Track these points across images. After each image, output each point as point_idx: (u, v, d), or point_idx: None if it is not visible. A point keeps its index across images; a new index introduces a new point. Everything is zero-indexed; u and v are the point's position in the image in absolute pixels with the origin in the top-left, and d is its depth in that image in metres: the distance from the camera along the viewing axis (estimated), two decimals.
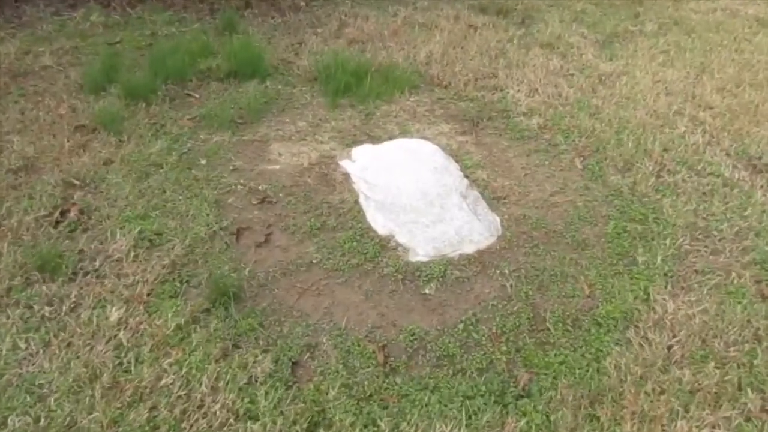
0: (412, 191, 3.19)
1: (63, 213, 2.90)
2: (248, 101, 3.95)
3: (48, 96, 3.89)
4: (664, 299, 2.65)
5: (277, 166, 3.39)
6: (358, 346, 2.42)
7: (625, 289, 2.72)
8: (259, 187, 3.22)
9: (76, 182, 3.14)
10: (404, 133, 3.76)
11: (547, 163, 3.57)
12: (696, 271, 2.82)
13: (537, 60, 4.77)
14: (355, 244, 2.90)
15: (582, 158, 3.61)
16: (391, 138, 3.70)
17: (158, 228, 2.88)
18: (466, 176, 3.39)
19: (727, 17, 5.89)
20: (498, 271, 2.81)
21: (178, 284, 2.60)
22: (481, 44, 5.01)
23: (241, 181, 3.26)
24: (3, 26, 4.84)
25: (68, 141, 3.41)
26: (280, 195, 3.17)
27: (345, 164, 3.39)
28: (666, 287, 2.72)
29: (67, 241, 2.77)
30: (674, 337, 2.47)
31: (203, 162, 3.39)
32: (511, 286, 2.73)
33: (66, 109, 3.73)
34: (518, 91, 4.29)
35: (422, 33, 5.17)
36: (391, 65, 4.52)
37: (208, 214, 2.99)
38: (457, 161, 3.51)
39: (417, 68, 4.54)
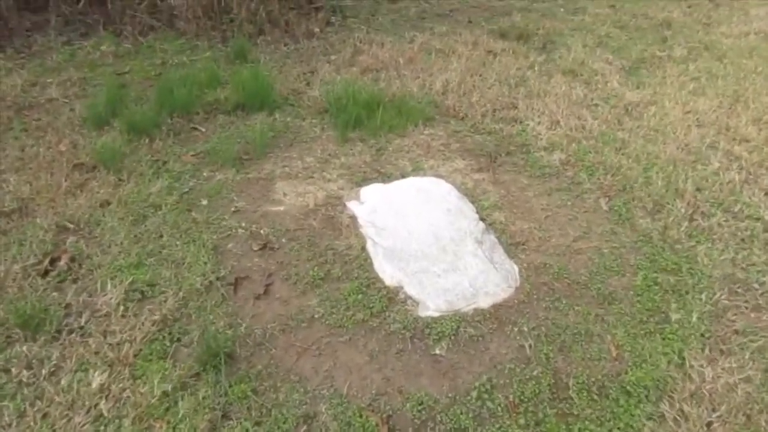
0: (424, 236, 2.98)
1: (53, 261, 2.74)
2: (255, 135, 3.79)
3: (50, 131, 3.77)
4: (701, 365, 2.39)
5: (282, 208, 3.21)
6: (360, 417, 2.20)
7: (657, 351, 2.46)
8: (261, 231, 3.03)
9: (70, 226, 2.99)
10: (417, 170, 3.55)
11: (569, 203, 3.33)
12: (736, 332, 2.55)
13: (559, 89, 4.55)
14: (360, 296, 2.69)
15: (607, 198, 3.36)
16: (402, 175, 3.49)
17: (151, 278, 2.70)
18: (482, 219, 3.16)
19: (761, 41, 5.61)
20: (516, 329, 2.57)
21: (168, 343, 2.41)
22: (500, 72, 4.80)
23: (243, 224, 3.07)
24: (12, 57, 4.77)
25: (66, 180, 3.27)
26: (283, 240, 2.98)
27: (353, 206, 3.19)
28: (703, 350, 2.46)
29: (54, 293, 2.61)
30: (714, 411, 2.21)
31: (204, 203, 3.22)
32: (530, 346, 2.49)
33: (67, 145, 3.60)
34: (539, 123, 4.07)
35: (439, 60, 4.99)
36: (404, 95, 4.33)
37: (205, 262, 2.81)
38: (472, 202, 3.29)
39: (432, 98, 4.35)
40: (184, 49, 5.11)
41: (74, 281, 2.69)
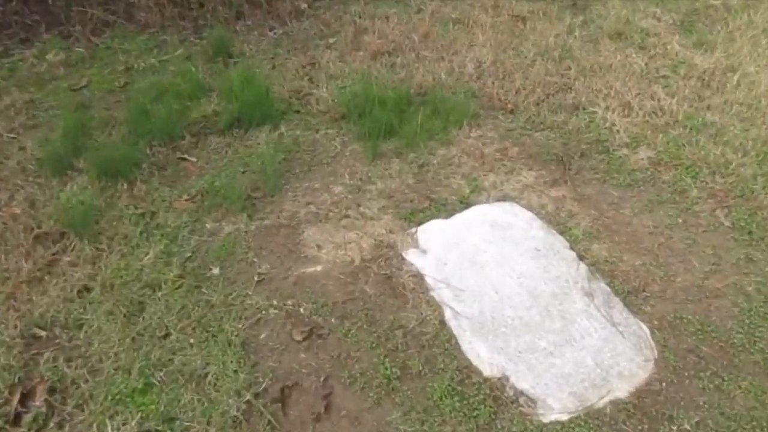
0: (517, 294, 2.25)
1: (25, 398, 1.96)
2: (261, 161, 2.98)
3: None
4: None
5: (319, 268, 2.44)
6: None
7: None
8: (301, 310, 2.27)
9: (42, 333, 2.20)
10: (476, 190, 2.80)
11: (680, 221, 2.62)
12: None
13: (613, 58, 3.77)
14: (456, 400, 1.97)
15: (725, 209, 2.66)
16: (461, 201, 2.74)
17: (167, 409, 1.95)
18: (581, 256, 2.44)
19: None
20: (675, 428, 1.88)
21: None
22: (536, 42, 3.99)
23: (274, 301, 2.31)
24: None
25: (26, 261, 2.45)
26: (332, 320, 2.23)
27: (413, 257, 2.43)
28: None
29: None
30: None
31: (216, 271, 2.44)
32: None
33: (22, 204, 2.76)
34: (607, 108, 3.30)
35: (460, 33, 4.15)
36: (434, 86, 3.52)
37: (236, 370, 2.05)
38: (561, 232, 2.55)
39: (468, 86, 3.54)
40: (151, 47, 4.18)
41: (60, 427, 1.91)
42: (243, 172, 2.98)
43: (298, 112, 3.43)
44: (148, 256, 2.48)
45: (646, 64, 3.72)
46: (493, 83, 3.56)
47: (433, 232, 2.52)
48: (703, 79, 3.55)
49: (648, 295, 2.31)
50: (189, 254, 2.52)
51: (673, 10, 4.43)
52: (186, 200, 2.82)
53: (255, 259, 2.49)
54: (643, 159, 2.95)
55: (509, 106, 3.37)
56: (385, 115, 3.17)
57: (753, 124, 3.15)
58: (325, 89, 3.57)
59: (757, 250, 2.46)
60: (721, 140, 3.04)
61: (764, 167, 2.85)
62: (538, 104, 3.38)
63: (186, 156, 3.11)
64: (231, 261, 2.49)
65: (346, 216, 2.70)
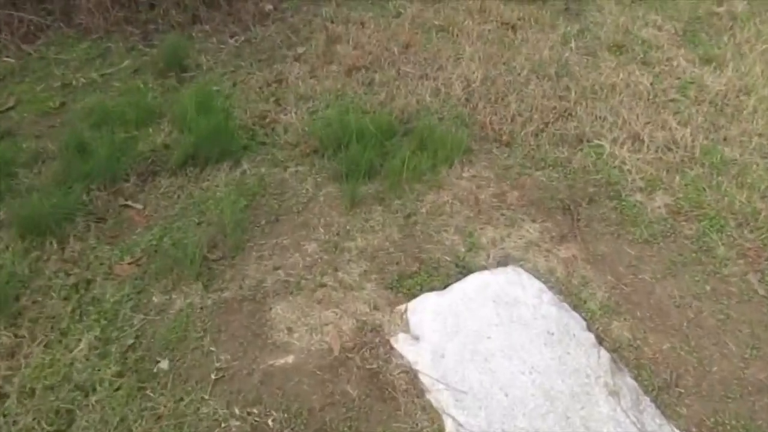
0: (530, 396, 1.87)
1: None
2: (220, 208, 2.53)
3: None
4: None
5: (290, 359, 2.03)
6: None
7: None
8: (269, 422, 1.86)
9: None
10: (473, 249, 2.40)
11: (708, 288, 2.28)
12: None
13: (615, 76, 3.40)
14: None
15: (758, 273, 2.32)
16: (457, 263, 2.35)
17: None
18: (600, 338, 2.07)
19: None
20: None
21: None
22: (530, 55, 3.60)
23: (236, 408, 1.89)
24: None
25: None
26: None
27: (402, 345, 2.03)
28: None
29: None
30: None
31: (164, 365, 2.01)
32: None
33: None
34: (614, 140, 2.93)
35: (445, 43, 3.72)
36: (418, 111, 3.11)
37: None
38: (575, 305, 2.18)
39: (457, 112, 3.13)
40: (92, 57, 3.64)
41: None
42: (198, 224, 2.52)
43: (263, 143, 2.97)
44: (80, 347, 2.03)
45: (651, 84, 3.35)
46: (484, 107, 3.15)
47: (426, 311, 2.11)
48: (716, 104, 3.20)
49: (682, 391, 1.96)
50: (131, 341, 2.07)
51: (675, 18, 4.06)
52: (129, 263, 2.35)
53: (212, 348, 2.06)
54: (660, 207, 2.59)
55: (504, 137, 2.97)
56: (364, 151, 2.74)
57: (760, 150, 2.81)
58: (294, 114, 3.12)
59: None
60: (745, 182, 2.69)
61: None
62: (536, 135, 2.99)
63: (130, 203, 2.64)
64: (183, 350, 2.05)
65: (322, 285, 2.27)
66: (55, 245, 2.39)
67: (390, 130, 2.94)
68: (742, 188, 2.66)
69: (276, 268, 2.34)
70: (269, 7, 4.20)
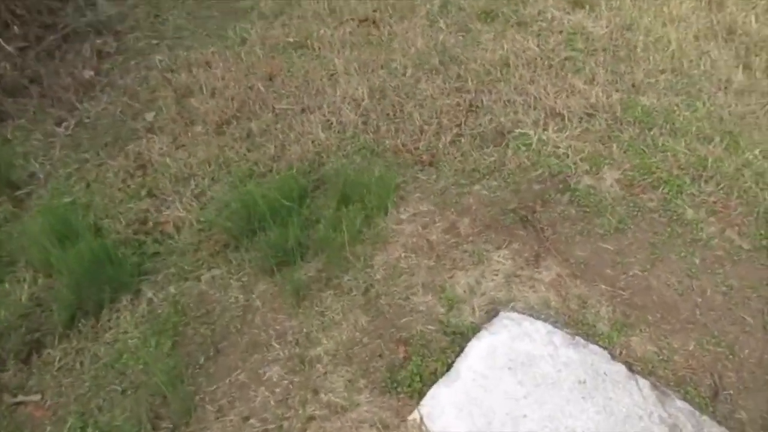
0: None
1: None
2: (142, 364, 2.02)
3: None
4: None
5: None
6: None
7: None
8: None
9: None
10: (454, 306, 2.11)
11: (697, 261, 2.17)
12: None
13: (500, 48, 3.21)
14: None
15: (734, 227, 2.22)
16: (445, 332, 2.04)
17: None
18: (629, 365, 1.87)
19: None
20: None
21: None
22: (405, 50, 3.33)
23: None
24: None
25: None
26: None
27: None
28: None
29: None
30: None
31: None
32: None
33: None
34: (535, 123, 2.72)
35: (309, 62, 3.31)
36: (321, 155, 2.72)
37: None
38: (587, 335, 1.96)
39: (362, 142, 2.77)
40: None
41: None
42: (123, 393, 1.99)
43: (157, 255, 2.43)
44: None
45: (539, 47, 3.16)
46: (387, 127, 2.81)
47: (444, 413, 1.79)
48: (608, 50, 3.09)
49: (731, 392, 1.80)
50: None
51: None
52: None
53: None
54: (613, 186, 2.42)
55: (424, 156, 2.65)
56: (283, 229, 2.31)
57: (689, 95, 2.73)
58: (179, 205, 2.59)
59: None
60: (676, 129, 2.60)
61: (735, 154, 2.44)
62: (454, 143, 2.70)
63: (21, 397, 2.04)
64: None
65: (310, 418, 1.87)
66: None
67: (299, 189, 2.52)
68: (677, 136, 2.56)
69: (246, 419, 1.89)
70: (89, 73, 3.52)
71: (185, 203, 2.59)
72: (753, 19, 3.13)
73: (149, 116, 3.16)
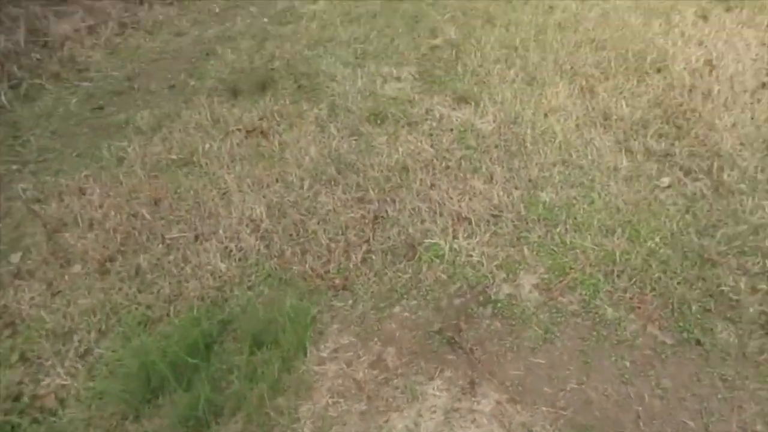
0: None
1: None
2: None
3: None
4: None
5: None
6: None
7: None
8: None
9: None
10: None
11: (628, 364, 2.15)
12: None
13: (395, 152, 3.19)
14: None
15: (655, 322, 2.24)
16: None
17: None
18: None
19: None
20: None
21: None
22: (298, 160, 3.20)
23: None
24: None
25: None
26: None
27: None
28: None
29: None
30: None
31: None
32: None
33: None
34: (443, 231, 2.67)
35: (197, 180, 3.13)
36: (224, 290, 2.48)
37: None
38: None
39: (266, 270, 2.58)
40: None
41: None
42: None
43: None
44: None
45: (433, 147, 3.17)
46: (293, 251, 2.64)
47: None
48: (500, 146, 3.16)
49: None
50: None
51: (403, 62, 3.98)
52: None
53: None
54: (531, 292, 2.39)
55: (337, 280, 2.50)
56: (190, 391, 2.03)
57: (584, 186, 2.82)
58: (60, 370, 2.24)
59: (728, 367, 2.08)
60: (579, 224, 2.65)
61: (638, 244, 2.51)
62: (366, 261, 2.58)
63: None
64: None
65: None
66: None
67: (203, 337, 2.25)
68: (582, 232, 2.59)
69: None
70: None
71: (68, 367, 2.24)
72: (624, 103, 3.33)
73: (15, 258, 2.78)
